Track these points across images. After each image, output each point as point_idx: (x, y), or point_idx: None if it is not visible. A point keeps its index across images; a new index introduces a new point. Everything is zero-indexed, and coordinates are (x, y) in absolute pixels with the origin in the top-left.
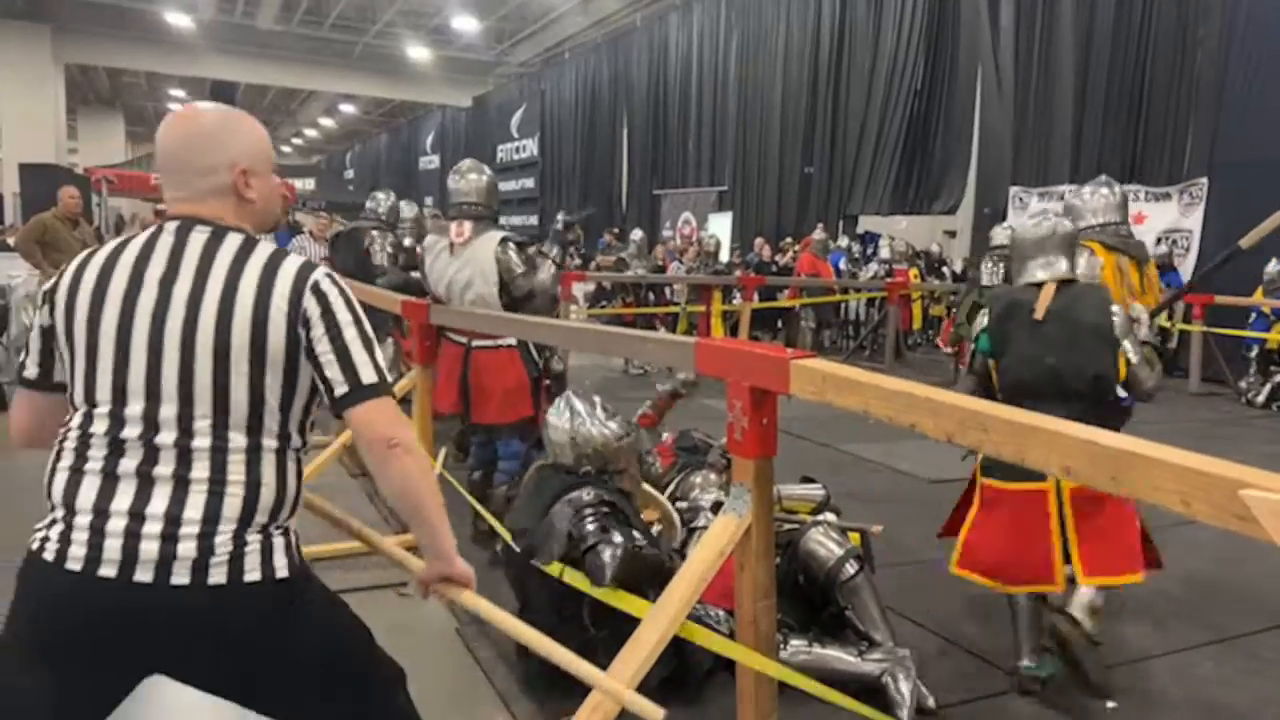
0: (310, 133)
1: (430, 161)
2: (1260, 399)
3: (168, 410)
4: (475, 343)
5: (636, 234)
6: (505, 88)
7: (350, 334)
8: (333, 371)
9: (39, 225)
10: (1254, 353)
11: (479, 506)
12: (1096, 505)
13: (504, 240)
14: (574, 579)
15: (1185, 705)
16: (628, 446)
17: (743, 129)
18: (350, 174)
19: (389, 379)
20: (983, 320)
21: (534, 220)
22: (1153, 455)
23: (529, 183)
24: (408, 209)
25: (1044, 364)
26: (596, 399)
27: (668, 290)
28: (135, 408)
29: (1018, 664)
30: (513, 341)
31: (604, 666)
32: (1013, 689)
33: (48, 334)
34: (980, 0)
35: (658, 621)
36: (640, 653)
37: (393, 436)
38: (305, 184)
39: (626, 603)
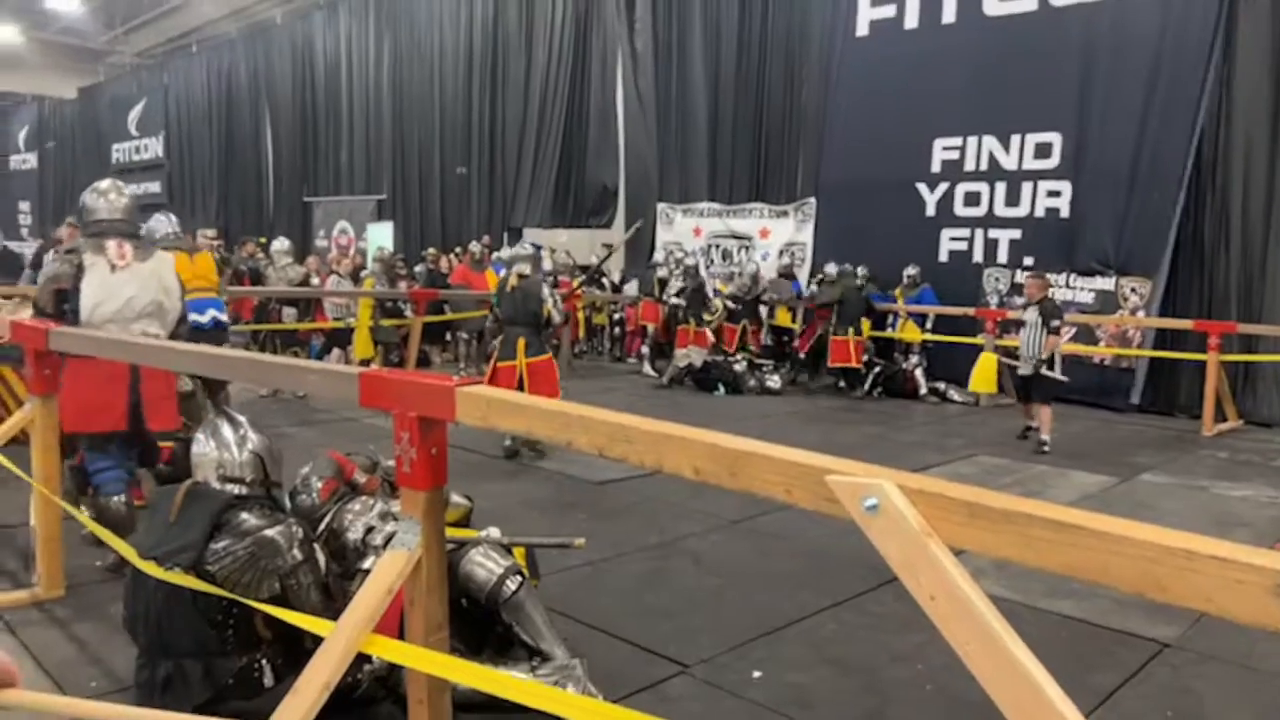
0: None
1: (24, 160)
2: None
3: None
4: None
5: (281, 243)
6: (120, 80)
7: None
8: None
9: None
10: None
11: (112, 537)
12: (539, 373)
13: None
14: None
15: (818, 664)
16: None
17: (400, 137)
18: None
19: None
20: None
21: None
22: (760, 452)
23: (154, 186)
24: None
25: (519, 308)
26: (242, 418)
27: (326, 305)
28: None
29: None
30: None
31: (273, 675)
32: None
33: None
34: (619, 26)
35: (321, 667)
36: (304, 703)
37: None
38: None
39: (294, 617)
